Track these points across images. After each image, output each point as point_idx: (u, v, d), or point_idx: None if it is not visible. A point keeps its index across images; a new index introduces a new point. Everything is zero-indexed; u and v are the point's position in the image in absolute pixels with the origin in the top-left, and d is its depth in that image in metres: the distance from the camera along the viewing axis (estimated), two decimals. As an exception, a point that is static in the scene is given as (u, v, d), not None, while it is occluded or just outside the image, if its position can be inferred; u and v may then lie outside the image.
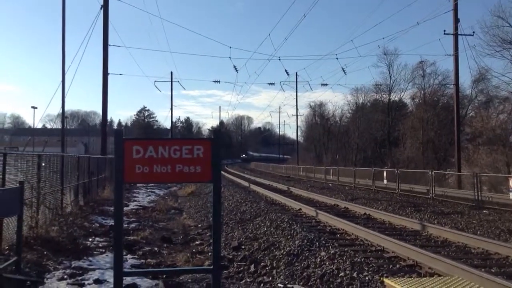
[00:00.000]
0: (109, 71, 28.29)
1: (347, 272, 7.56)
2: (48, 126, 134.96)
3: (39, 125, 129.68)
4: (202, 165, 4.38)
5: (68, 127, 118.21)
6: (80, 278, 7.80)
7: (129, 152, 4.25)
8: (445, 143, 46.04)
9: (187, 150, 4.36)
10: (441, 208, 17.08)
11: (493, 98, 42.50)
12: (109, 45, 28.15)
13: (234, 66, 36.38)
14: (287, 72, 38.75)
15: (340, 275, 7.51)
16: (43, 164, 11.96)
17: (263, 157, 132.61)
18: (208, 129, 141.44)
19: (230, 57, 34.51)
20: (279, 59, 46.78)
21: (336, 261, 8.24)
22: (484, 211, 16.52)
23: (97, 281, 7.59)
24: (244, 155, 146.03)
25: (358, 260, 8.16)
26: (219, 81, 50.46)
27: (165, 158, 4.32)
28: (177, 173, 4.35)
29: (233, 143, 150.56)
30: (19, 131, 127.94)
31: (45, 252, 9.02)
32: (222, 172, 56.10)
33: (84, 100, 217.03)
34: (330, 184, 34.05)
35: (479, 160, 31.60)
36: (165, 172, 4.31)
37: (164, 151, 4.32)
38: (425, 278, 6.80)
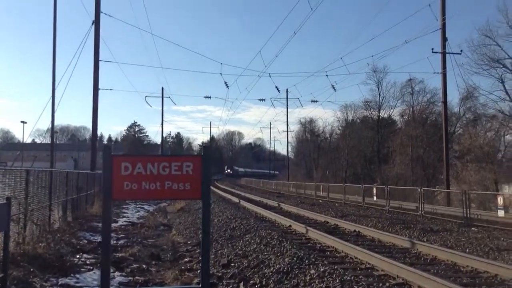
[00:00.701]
0: (100, 86, 28.16)
1: (337, 290, 7.51)
2: (38, 141, 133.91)
3: (28, 140, 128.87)
4: (191, 182, 4.36)
5: (57, 142, 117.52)
6: (66, 296, 7.69)
7: (117, 169, 4.23)
8: (434, 160, 46.38)
9: (176, 167, 4.34)
10: (430, 225, 17.09)
11: (481, 116, 43.03)
12: (100, 60, 28.12)
13: (225, 82, 36.81)
14: (277, 89, 38.91)
15: (329, 293, 7.46)
16: (31, 180, 11.85)
17: (251, 173, 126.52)
18: (199, 145, 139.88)
19: (221, 73, 34.76)
20: (270, 76, 46.86)
21: (325, 279, 8.19)
22: (473, 228, 16.56)
23: (84, 299, 7.48)
24: (228, 170, 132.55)
25: (348, 278, 8.12)
26: (210, 97, 50.37)
27: (153, 175, 4.29)
28: (166, 190, 4.32)
29: (223, 159, 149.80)
30: (8, 145, 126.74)
31: (31, 269, 8.88)
32: (212, 188, 55.93)
33: (74, 115, 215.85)
34: (320, 201, 34.03)
35: (468, 177, 31.83)
36: (154, 189, 4.29)
37: (152, 168, 4.30)
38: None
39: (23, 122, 67.41)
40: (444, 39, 28.04)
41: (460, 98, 47.67)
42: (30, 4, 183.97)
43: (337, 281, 7.94)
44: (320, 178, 63.11)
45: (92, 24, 27.28)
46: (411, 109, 55.13)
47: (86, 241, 13.67)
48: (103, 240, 4.11)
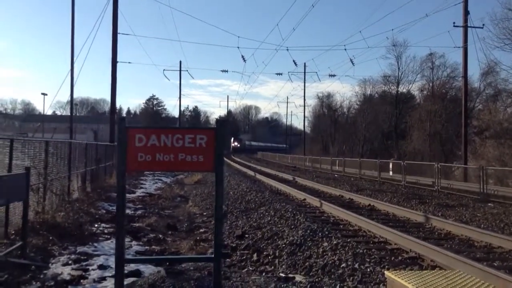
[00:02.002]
0: (118, 59, 28.54)
1: (349, 263, 7.59)
2: (58, 112, 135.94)
3: (49, 112, 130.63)
4: (204, 155, 4.41)
5: (77, 114, 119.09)
6: (84, 263, 7.91)
7: (132, 140, 4.29)
8: (452, 135, 45.90)
9: (190, 139, 4.38)
10: (446, 201, 17.06)
11: (502, 91, 42.25)
12: (118, 33, 28.33)
13: (242, 56, 36.45)
14: (295, 63, 38.63)
15: (341, 266, 7.55)
16: (51, 151, 12.06)
17: (259, 147, 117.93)
18: (216, 118, 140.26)
19: (238, 47, 34.63)
20: (287, 50, 46.75)
21: (338, 252, 8.28)
22: (489, 204, 16.48)
23: (101, 267, 7.69)
24: (235, 143, 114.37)
25: (360, 251, 8.19)
26: (227, 71, 50.28)
27: (167, 146, 4.35)
28: (179, 162, 4.38)
29: (240, 132, 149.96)
30: (29, 117, 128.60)
31: (50, 238, 9.13)
32: (228, 161, 56.24)
33: (94, 88, 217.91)
34: (336, 175, 34.05)
35: (486, 154, 31.48)
36: (167, 161, 4.35)
37: (166, 140, 4.35)
38: (426, 271, 6.81)
39: (43, 94, 68.21)
40: (466, 12, 27.42)
41: (481, 73, 46.95)
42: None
43: (350, 253, 8.03)
44: (337, 153, 62.95)
45: (111, -3, 27.34)
46: (430, 84, 54.38)
47: (104, 211, 13.94)
48: (117, 210, 4.20)
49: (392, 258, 8.24)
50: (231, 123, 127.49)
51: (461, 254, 7.89)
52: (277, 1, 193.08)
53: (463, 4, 27.47)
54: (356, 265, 7.44)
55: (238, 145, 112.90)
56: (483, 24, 30.43)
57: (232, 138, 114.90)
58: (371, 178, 28.63)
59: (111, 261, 7.94)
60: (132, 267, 7.39)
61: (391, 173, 27.06)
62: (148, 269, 7.48)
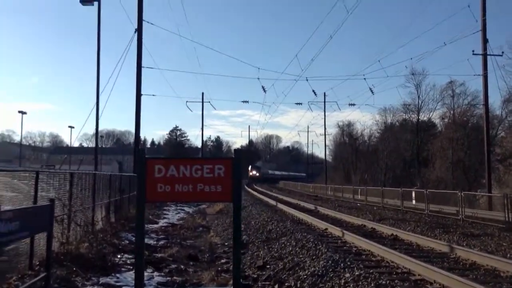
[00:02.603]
0: (142, 92, 29.29)
1: (371, 293, 7.49)
2: (85, 144, 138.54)
3: (76, 144, 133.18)
4: (222, 185, 4.47)
5: (103, 146, 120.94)
6: (107, 294, 7.96)
7: (151, 171, 4.37)
8: (475, 163, 45.22)
9: (208, 170, 4.45)
10: (470, 230, 16.72)
11: (523, 118, 41.70)
12: (143, 67, 29.11)
13: (263, 87, 36.76)
14: (314, 92, 38.79)
15: (364, 296, 7.46)
16: (75, 182, 12.28)
17: (286, 176, 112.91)
18: (234, 149, 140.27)
19: (258, 78, 35.02)
20: (307, 80, 46.43)
21: (360, 283, 8.17)
22: (516, 233, 16.09)
23: (123, 298, 7.73)
24: (254, 172, 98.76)
25: (383, 282, 8.07)
26: (247, 101, 50.84)
27: (186, 177, 4.42)
28: (198, 192, 4.44)
29: (262, 161, 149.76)
30: (57, 149, 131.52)
31: (74, 268, 9.22)
32: (250, 190, 56.14)
33: (119, 120, 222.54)
34: (358, 204, 33.69)
35: (510, 181, 30.87)
36: (186, 191, 4.41)
37: (185, 170, 4.42)
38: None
39: (70, 127, 69.66)
40: (485, 40, 27.32)
41: (502, 101, 46.46)
42: (76, 12, 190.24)
43: (372, 285, 7.92)
44: (359, 181, 62.41)
45: (135, 32, 28.29)
46: (451, 112, 53.98)
47: (127, 242, 14.03)
48: (136, 242, 4.27)
49: (416, 289, 8.10)
50: (253, 153, 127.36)
51: (487, 285, 7.73)
52: (296, 32, 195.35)
53: (481, 32, 27.41)
54: (379, 296, 7.34)
55: (257, 174, 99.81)
56: (503, 52, 30.25)
57: (250, 167, 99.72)
58: (394, 207, 28.26)
59: (133, 292, 7.98)
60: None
61: (414, 201, 26.67)
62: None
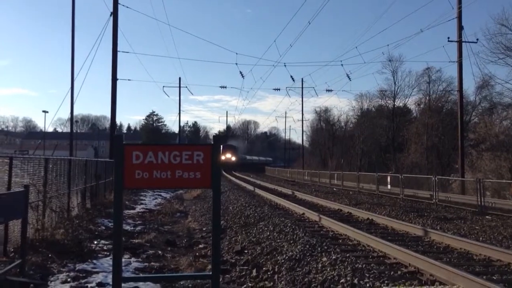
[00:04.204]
0: (118, 76, 28.86)
1: (348, 278, 7.58)
2: (59, 129, 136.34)
3: (50, 129, 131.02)
4: (202, 171, 4.44)
5: (78, 131, 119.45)
6: (83, 280, 7.90)
7: (129, 157, 4.31)
8: (449, 148, 46.06)
9: (187, 156, 4.41)
10: (444, 214, 17.06)
11: (497, 104, 42.60)
12: (118, 51, 28.66)
13: (241, 72, 36.64)
14: (292, 78, 39.09)
15: (341, 281, 7.54)
16: (50, 168, 12.09)
17: (264, 162, 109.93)
18: (215, 134, 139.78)
19: (236, 63, 34.86)
20: (285, 65, 46.77)
21: (337, 267, 8.26)
22: (487, 217, 16.49)
23: (100, 284, 7.68)
24: (228, 155, 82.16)
25: (360, 266, 8.18)
26: (225, 87, 50.39)
27: (164, 163, 4.37)
28: (177, 179, 4.40)
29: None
30: (30, 134, 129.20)
31: (49, 255, 9.13)
32: (228, 175, 56.17)
33: (94, 105, 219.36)
34: (335, 189, 34.04)
35: (483, 166, 31.57)
36: (164, 178, 4.37)
37: (164, 157, 4.37)
38: (425, 287, 6.83)
39: (44, 111, 68.08)
40: (460, 27, 27.66)
41: (476, 87, 47.24)
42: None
43: (349, 269, 8.02)
44: (335, 166, 62.97)
45: (111, 15, 27.78)
46: (427, 98, 54.66)
47: (104, 227, 13.93)
48: (114, 229, 4.22)
49: (391, 272, 8.22)
50: (230, 138, 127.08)
51: (460, 268, 7.89)
52: (275, 18, 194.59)
53: (457, 19, 27.72)
54: (355, 281, 7.43)
55: (233, 158, 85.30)
56: (477, 39, 30.73)
57: (221, 147, 70.92)
58: (370, 191, 28.64)
59: (110, 278, 7.92)
60: (131, 284, 7.38)
61: (389, 186, 27.09)
62: (147, 287, 7.48)
